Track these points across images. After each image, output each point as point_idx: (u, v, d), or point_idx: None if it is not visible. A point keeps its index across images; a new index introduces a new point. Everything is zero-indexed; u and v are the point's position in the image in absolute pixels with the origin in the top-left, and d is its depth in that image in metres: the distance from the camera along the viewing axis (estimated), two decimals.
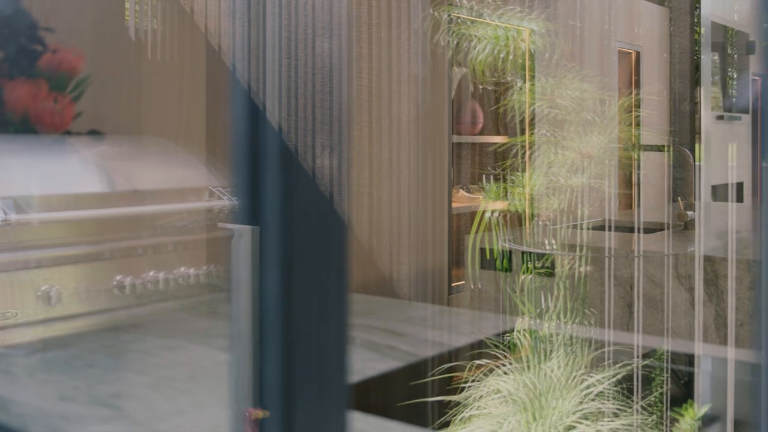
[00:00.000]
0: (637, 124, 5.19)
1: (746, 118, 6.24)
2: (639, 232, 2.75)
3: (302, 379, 0.92)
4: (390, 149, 3.20)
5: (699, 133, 5.48)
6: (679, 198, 2.54)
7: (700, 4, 4.08)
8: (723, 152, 5.97)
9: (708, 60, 4.14)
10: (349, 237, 1.02)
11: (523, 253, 2.20)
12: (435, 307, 1.28)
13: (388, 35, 3.19)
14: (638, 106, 5.12)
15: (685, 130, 4.14)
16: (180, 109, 2.40)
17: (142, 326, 1.64)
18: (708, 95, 4.14)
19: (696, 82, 4.09)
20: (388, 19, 3.20)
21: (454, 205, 3.77)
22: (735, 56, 6.11)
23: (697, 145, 4.90)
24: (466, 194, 3.91)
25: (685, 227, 2.49)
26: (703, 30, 4.05)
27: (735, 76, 6.10)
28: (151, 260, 1.91)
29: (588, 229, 2.74)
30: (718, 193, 6.36)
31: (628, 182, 5.04)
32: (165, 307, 1.81)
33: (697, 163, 4.31)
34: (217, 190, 2.24)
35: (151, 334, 1.51)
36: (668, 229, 2.55)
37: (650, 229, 2.71)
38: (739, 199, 6.32)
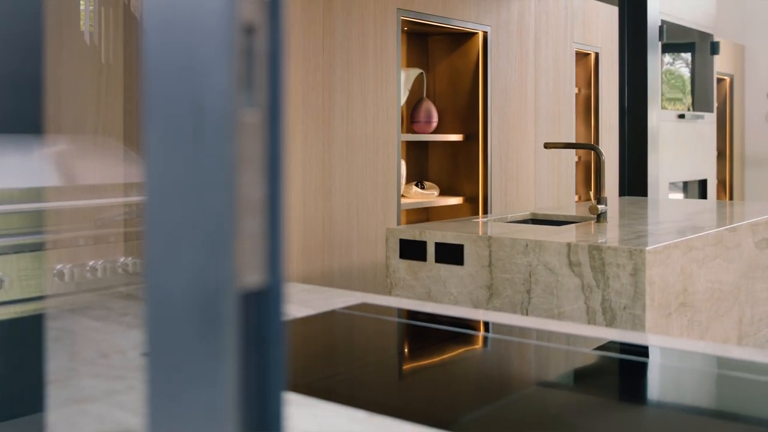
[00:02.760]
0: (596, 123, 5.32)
1: (709, 117, 6.39)
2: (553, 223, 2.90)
3: None
4: (342, 146, 3.36)
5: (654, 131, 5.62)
6: (591, 192, 2.70)
7: (644, 4, 4.23)
8: (687, 150, 6.11)
9: (655, 60, 4.29)
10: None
11: (436, 243, 2.36)
12: (337, 291, 1.44)
13: (344, 37, 3.34)
14: (596, 105, 5.26)
15: (639, 129, 4.29)
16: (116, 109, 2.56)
17: (72, 309, 1.79)
18: (656, 94, 4.29)
19: (645, 81, 4.25)
20: (345, 23, 3.35)
21: (406, 200, 3.92)
22: (698, 56, 6.26)
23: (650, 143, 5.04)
24: (420, 190, 4.07)
25: (597, 219, 2.65)
26: (649, 29, 4.20)
27: (699, 75, 6.25)
28: (92, 250, 2.07)
29: (509, 222, 2.90)
30: (690, 188, 6.51)
31: (568, 178, 5.18)
32: (101, 294, 1.97)
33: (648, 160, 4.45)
34: None
35: (71, 311, 1.67)
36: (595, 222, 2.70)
37: (568, 221, 2.87)
38: (703, 195, 6.46)
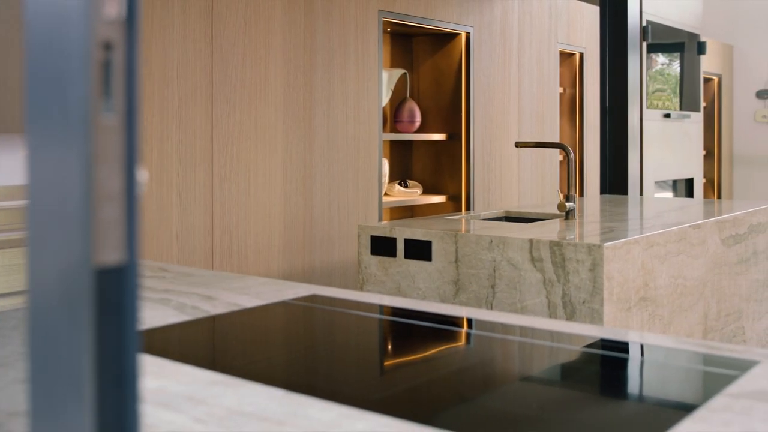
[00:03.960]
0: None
1: (696, 116, 6.45)
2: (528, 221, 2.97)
3: None
4: (323, 146, 3.43)
5: (641, 130, 5.69)
6: (558, 190, 2.76)
7: (625, 4, 4.29)
8: (673, 149, 6.18)
9: (636, 59, 4.35)
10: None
11: (405, 239, 2.43)
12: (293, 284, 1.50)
13: (325, 39, 3.41)
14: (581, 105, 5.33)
15: (620, 128, 4.36)
16: None
17: None
18: (637, 94, 4.35)
19: (626, 80, 4.31)
20: (326, 24, 3.42)
21: (389, 199, 3.99)
22: (686, 56, 6.32)
23: (638, 142, 5.11)
24: (402, 189, 4.14)
25: (566, 217, 2.71)
26: (629, 29, 4.27)
27: (685, 75, 6.31)
28: None
29: (482, 219, 2.97)
30: (678, 187, 6.58)
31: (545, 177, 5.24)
32: None
33: (633, 159, 4.52)
34: None
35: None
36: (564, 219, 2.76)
37: (540, 218, 2.93)
38: (690, 193, 6.53)
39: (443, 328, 1.21)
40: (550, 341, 1.12)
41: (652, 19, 5.84)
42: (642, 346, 1.15)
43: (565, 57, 5.30)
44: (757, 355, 1.03)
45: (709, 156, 7.38)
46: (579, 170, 5.32)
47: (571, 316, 2.15)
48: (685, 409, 0.85)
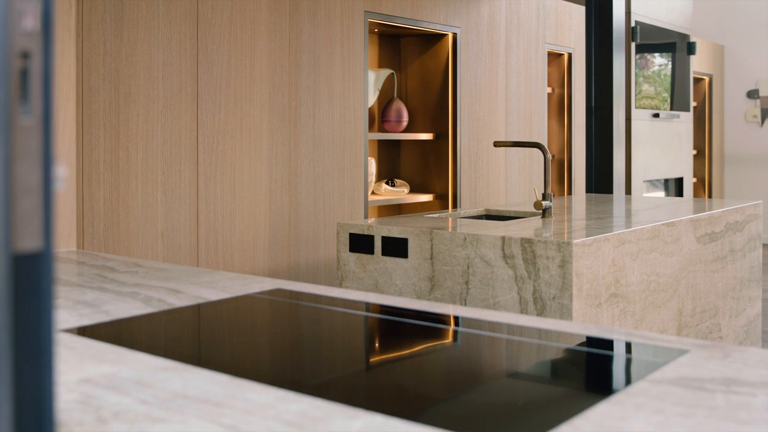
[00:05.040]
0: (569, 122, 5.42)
1: (686, 116, 6.50)
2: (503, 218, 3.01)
3: None
4: (309, 145, 3.48)
5: (629, 130, 5.74)
6: (535, 189, 2.81)
7: (610, 5, 4.34)
8: (663, 149, 6.23)
9: (621, 59, 4.40)
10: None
11: (383, 237, 2.48)
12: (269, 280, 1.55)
13: (312, 39, 3.46)
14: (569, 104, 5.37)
15: (605, 127, 4.41)
16: None
17: None
18: (620, 94, 4.40)
19: (611, 80, 4.35)
20: (312, 25, 3.47)
21: (376, 198, 4.04)
22: (677, 56, 6.37)
23: (624, 142, 5.15)
24: (390, 188, 4.19)
25: (543, 215, 2.77)
26: (615, 30, 4.32)
27: (676, 75, 6.36)
28: None
29: (462, 217, 3.02)
30: (668, 186, 6.63)
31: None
32: None
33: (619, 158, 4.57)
34: None
35: None
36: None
37: (518, 216, 2.99)
38: (680, 192, 6.58)
39: (393, 319, 1.26)
40: (488, 331, 1.17)
41: (641, 19, 5.89)
42: (586, 338, 1.20)
43: (554, 57, 5.35)
44: (688, 345, 1.08)
45: (700, 155, 7.42)
46: (568, 169, 5.37)
47: (541, 312, 2.20)
48: (607, 393, 0.90)
